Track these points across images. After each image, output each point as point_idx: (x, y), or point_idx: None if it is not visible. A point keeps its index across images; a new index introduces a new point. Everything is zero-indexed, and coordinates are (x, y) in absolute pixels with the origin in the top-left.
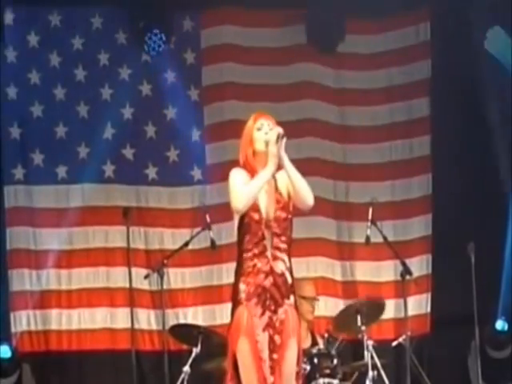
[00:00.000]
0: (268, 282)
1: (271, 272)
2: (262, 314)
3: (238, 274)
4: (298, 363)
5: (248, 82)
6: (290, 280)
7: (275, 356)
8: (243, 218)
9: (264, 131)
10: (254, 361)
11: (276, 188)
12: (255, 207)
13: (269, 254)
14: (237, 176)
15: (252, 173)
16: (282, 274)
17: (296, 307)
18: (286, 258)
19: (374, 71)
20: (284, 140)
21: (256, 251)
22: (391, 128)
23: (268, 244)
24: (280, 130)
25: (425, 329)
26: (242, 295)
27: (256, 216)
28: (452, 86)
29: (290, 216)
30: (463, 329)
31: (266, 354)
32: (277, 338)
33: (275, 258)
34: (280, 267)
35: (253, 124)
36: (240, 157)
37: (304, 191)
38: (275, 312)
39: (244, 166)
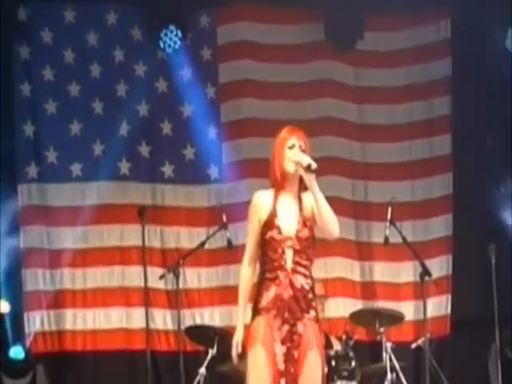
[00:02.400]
0: (287, 295)
1: (290, 285)
2: (281, 326)
3: (259, 285)
4: (322, 377)
5: (265, 80)
6: (310, 295)
7: (292, 370)
8: (264, 235)
9: (295, 152)
10: (269, 372)
11: (301, 208)
12: (275, 226)
13: (289, 267)
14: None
15: (278, 190)
16: (302, 289)
17: (318, 321)
18: (307, 273)
19: (394, 69)
20: (314, 174)
21: (276, 264)
22: (411, 127)
23: (288, 258)
24: (315, 164)
25: (445, 331)
26: (262, 305)
27: (276, 234)
28: (473, 85)
29: (311, 235)
30: (483, 331)
31: (282, 367)
32: (294, 352)
33: (295, 271)
34: (300, 281)
35: (285, 141)
36: (271, 172)
37: (331, 222)
38: (294, 325)
39: (273, 183)
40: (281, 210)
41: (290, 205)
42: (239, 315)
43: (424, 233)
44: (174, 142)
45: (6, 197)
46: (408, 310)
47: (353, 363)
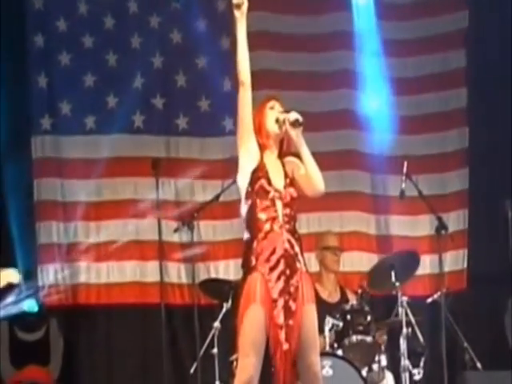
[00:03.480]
0: (282, 246)
1: (284, 236)
2: (278, 279)
3: (252, 239)
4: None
5: (280, 31)
6: (297, 249)
7: (291, 322)
8: (253, 183)
9: (278, 110)
10: (268, 328)
11: (285, 170)
12: (265, 175)
13: (280, 219)
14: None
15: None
16: (297, 239)
17: (308, 272)
18: (295, 228)
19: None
20: (301, 128)
21: (267, 215)
22: (425, 80)
23: (279, 210)
24: (301, 118)
25: (461, 285)
26: (255, 260)
27: (266, 185)
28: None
29: (297, 196)
30: (500, 286)
31: (281, 320)
32: (292, 304)
33: (286, 223)
34: (292, 233)
35: (265, 103)
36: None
37: (316, 178)
38: (290, 277)
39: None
40: (268, 164)
41: (275, 164)
42: None
43: (441, 186)
44: (189, 93)
45: (20, 149)
46: (424, 263)
47: (368, 317)
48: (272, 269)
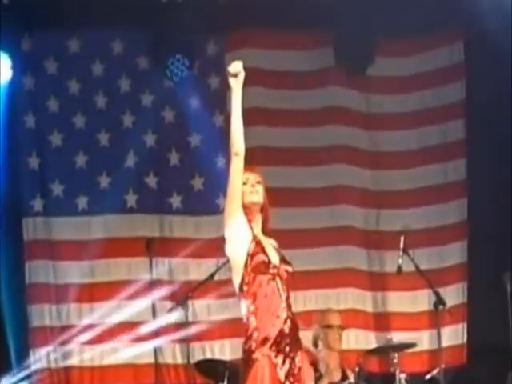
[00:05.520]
0: (287, 327)
1: (288, 316)
2: (283, 362)
3: (255, 320)
4: None
5: (275, 107)
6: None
7: None
8: (251, 259)
9: (250, 184)
10: None
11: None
12: (263, 250)
13: (283, 295)
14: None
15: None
16: (295, 319)
17: (306, 351)
18: (290, 305)
19: (406, 94)
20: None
21: (270, 292)
22: (425, 152)
23: (279, 284)
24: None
25: (460, 360)
26: (260, 341)
27: (265, 258)
28: (487, 108)
29: (292, 271)
30: (500, 360)
31: None
32: None
33: (285, 299)
34: (289, 311)
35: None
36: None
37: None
38: (293, 359)
39: None
40: (260, 238)
41: (265, 239)
42: None
43: (440, 260)
44: (182, 172)
45: (11, 231)
46: (423, 339)
47: None
48: (278, 352)
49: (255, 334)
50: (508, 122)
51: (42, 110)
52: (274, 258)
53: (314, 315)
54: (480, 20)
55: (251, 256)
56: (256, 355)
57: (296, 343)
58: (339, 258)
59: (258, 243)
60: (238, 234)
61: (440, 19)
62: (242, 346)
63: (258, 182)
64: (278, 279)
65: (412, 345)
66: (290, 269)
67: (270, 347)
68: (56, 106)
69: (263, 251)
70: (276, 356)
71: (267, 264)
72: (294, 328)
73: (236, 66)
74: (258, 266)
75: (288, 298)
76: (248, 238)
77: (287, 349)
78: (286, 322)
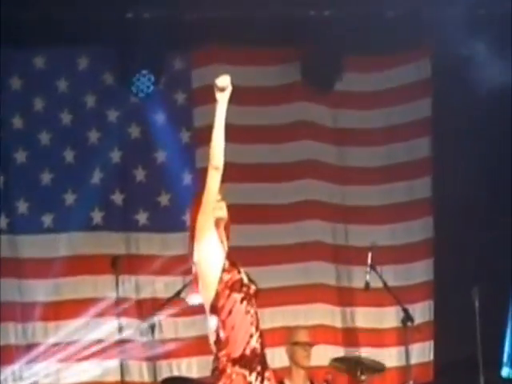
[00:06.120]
0: (259, 345)
1: (258, 332)
2: (255, 380)
3: (223, 333)
4: None
5: (242, 124)
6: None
7: None
8: (226, 275)
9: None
10: None
11: None
12: (237, 267)
13: (253, 313)
14: None
15: None
16: (263, 334)
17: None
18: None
19: (374, 110)
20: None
21: (243, 309)
22: (391, 169)
23: (251, 302)
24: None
25: (428, 377)
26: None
27: (240, 276)
28: (454, 125)
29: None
30: (468, 376)
31: None
32: None
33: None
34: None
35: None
36: None
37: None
38: (263, 377)
39: None
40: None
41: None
42: None
43: (406, 277)
44: (148, 188)
45: None
46: (391, 356)
47: None
48: (252, 370)
49: (227, 352)
50: (474, 140)
51: (6, 128)
52: (245, 277)
53: (282, 332)
54: (447, 37)
55: (227, 272)
56: (229, 373)
57: (265, 361)
58: (308, 274)
59: (232, 260)
60: (211, 248)
61: (408, 36)
62: (213, 364)
63: (222, 199)
64: (248, 297)
65: (381, 369)
66: (254, 287)
67: (245, 366)
68: (21, 123)
69: (237, 269)
70: (250, 374)
71: (241, 282)
72: (264, 346)
73: (223, 80)
74: (234, 284)
75: (257, 316)
76: (221, 253)
77: (259, 367)
78: (257, 340)
